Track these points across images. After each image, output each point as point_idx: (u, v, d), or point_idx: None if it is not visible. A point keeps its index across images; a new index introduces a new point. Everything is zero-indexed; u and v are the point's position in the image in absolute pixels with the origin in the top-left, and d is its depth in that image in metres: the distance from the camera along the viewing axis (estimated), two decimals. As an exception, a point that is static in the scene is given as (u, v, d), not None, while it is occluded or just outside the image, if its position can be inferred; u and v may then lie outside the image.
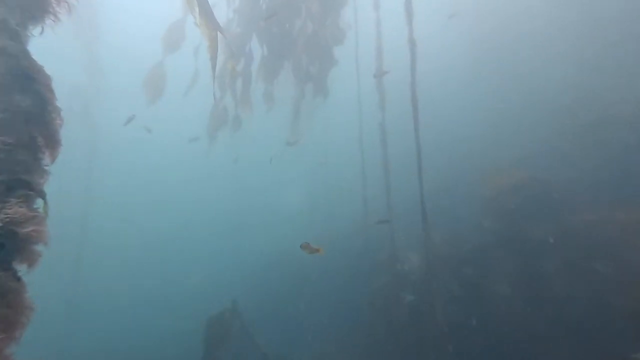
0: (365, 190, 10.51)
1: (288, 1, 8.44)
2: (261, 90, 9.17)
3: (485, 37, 13.58)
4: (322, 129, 13.00)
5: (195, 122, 9.52)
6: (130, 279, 16.20)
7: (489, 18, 14.07)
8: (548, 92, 9.42)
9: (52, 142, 2.26)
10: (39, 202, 2.17)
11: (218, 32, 4.11)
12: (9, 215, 1.82)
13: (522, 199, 7.04)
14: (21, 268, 1.90)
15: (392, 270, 8.66)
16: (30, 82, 2.22)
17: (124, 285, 15.76)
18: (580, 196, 7.03)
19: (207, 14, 3.90)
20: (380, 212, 9.41)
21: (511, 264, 6.78)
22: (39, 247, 2.03)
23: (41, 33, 2.64)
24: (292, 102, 9.42)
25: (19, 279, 1.90)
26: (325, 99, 9.56)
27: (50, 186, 2.35)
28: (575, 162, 7.91)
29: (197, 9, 3.84)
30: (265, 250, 13.26)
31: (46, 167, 2.30)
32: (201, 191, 22.35)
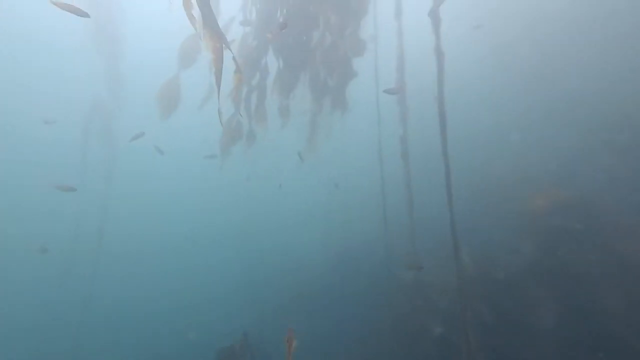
0: (385, 208, 9.94)
1: (305, 12, 8.15)
2: (276, 104, 8.85)
3: (510, 45, 12.90)
4: (339, 144, 12.58)
5: (210, 136, 9.31)
6: (143, 291, 16.11)
7: (514, 24, 13.40)
8: (588, 104, 8.64)
9: None
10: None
11: (223, 45, 3.77)
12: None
13: (567, 221, 6.29)
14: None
15: (418, 295, 7.99)
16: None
17: (136, 296, 15.67)
18: (632, 219, 6.22)
19: (210, 24, 3.58)
20: (402, 231, 8.82)
21: (555, 296, 6.02)
22: None
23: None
24: (309, 116, 9.04)
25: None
26: (344, 113, 9.14)
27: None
28: (622, 180, 7.09)
29: (199, 20, 3.52)
30: (281, 272, 12.82)
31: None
32: (214, 206, 22.30)
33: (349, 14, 8.08)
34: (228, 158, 8.20)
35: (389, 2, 8.29)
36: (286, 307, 11.24)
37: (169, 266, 17.90)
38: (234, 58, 4.21)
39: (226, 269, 17.35)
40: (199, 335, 11.88)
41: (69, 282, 12.26)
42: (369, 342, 8.99)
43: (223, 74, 8.78)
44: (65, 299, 11.85)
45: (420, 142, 9.41)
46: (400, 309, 8.56)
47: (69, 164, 13.48)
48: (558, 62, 10.72)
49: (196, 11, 3.52)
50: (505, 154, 9.44)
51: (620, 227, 6.20)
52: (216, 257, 18.71)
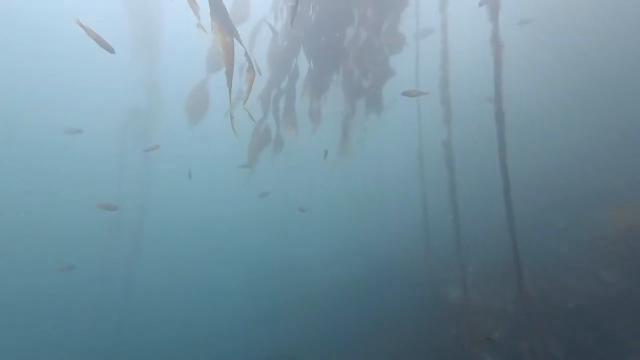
0: (427, 220, 9.06)
1: (339, 8, 7.55)
2: (306, 108, 8.33)
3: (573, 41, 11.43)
4: (375, 148, 11.82)
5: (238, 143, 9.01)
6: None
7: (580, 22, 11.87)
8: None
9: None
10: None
11: (235, 39, 3.27)
12: None
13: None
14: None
15: (466, 320, 7.05)
16: None
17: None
18: None
19: (220, 15, 3.10)
20: (447, 247, 7.92)
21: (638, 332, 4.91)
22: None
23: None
24: (341, 120, 8.43)
25: None
26: (380, 115, 8.42)
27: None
28: None
29: (209, 11, 3.05)
30: (308, 284, 12.28)
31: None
32: (242, 213, 22.12)
33: (387, 6, 7.37)
34: (258, 165, 7.80)
35: (432, -9, 7.49)
36: (314, 323, 10.67)
37: (200, 271, 18.05)
38: (246, 54, 3.71)
39: (250, 277, 16.98)
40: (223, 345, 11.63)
41: (106, 290, 12.56)
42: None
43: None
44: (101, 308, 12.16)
45: (466, 147, 8.46)
46: (443, 333, 7.66)
47: (106, 173, 13.90)
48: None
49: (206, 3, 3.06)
50: (570, 163, 8.21)
51: None
52: (239, 267, 18.50)
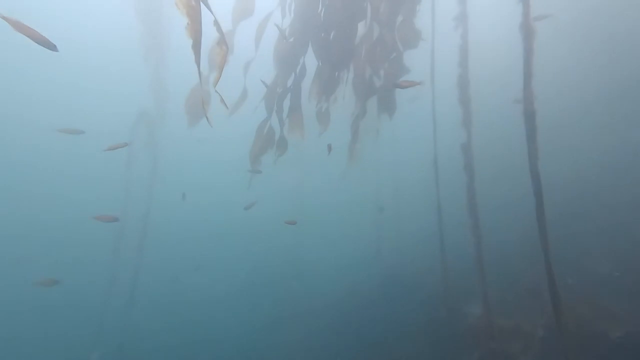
0: (442, 230, 8.37)
1: (350, 1, 7.08)
2: (314, 108, 7.85)
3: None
4: (387, 152, 11.22)
5: (241, 144, 8.58)
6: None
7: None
8: None
9: None
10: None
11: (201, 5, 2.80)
12: None
13: None
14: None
15: (489, 345, 6.32)
16: None
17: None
18: None
19: None
20: (467, 259, 7.21)
21: None
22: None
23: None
24: (351, 122, 7.90)
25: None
26: (392, 116, 7.86)
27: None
28: None
29: None
30: (321, 297, 11.67)
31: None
32: (252, 220, 21.73)
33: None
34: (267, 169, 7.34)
35: (450, -18, 6.96)
36: (318, 338, 10.04)
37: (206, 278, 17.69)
38: (216, 23, 3.24)
39: (259, 289, 16.50)
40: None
41: (111, 292, 12.26)
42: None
43: (254, 70, 7.94)
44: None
45: (488, 151, 7.79)
46: (463, 358, 6.92)
47: (113, 178, 13.73)
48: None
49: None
50: (606, 170, 7.41)
51: None
52: (247, 278, 18.04)
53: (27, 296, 15.41)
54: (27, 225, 18.77)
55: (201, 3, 2.81)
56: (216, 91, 3.29)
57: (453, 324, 7.95)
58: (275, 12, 7.72)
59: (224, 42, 3.22)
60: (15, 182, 20.40)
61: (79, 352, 11.66)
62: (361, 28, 7.66)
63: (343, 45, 7.56)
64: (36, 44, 2.72)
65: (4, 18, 2.62)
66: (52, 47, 2.81)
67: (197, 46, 2.84)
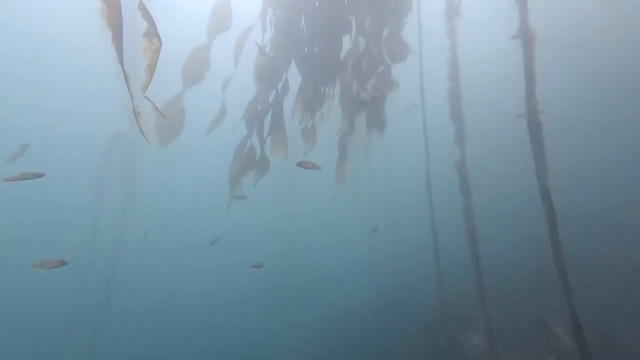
0: (438, 255, 7.85)
1: (333, 14, 6.78)
2: (297, 126, 7.39)
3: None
4: (378, 173, 10.79)
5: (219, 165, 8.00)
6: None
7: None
8: None
9: None
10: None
11: None
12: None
13: None
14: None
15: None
16: None
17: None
18: None
19: None
20: (466, 285, 6.68)
21: None
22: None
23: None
24: (338, 140, 7.45)
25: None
26: (382, 132, 7.45)
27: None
28: None
29: None
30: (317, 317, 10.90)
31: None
32: (244, 242, 21.03)
33: (388, 12, 6.58)
34: (243, 190, 6.74)
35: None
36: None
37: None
38: (140, 5, 2.76)
39: (257, 309, 15.89)
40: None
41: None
42: None
43: (240, 83, 7.45)
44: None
45: (485, 169, 7.41)
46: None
47: (83, 201, 12.83)
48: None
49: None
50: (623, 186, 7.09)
51: None
52: (247, 298, 17.21)
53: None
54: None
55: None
56: (146, 97, 2.76)
57: (454, 356, 7.32)
58: (256, 26, 7.37)
59: (154, 34, 2.71)
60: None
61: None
62: (346, 42, 7.37)
63: (328, 59, 7.21)
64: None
65: None
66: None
67: (117, 39, 2.32)
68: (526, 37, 3.94)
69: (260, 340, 11.77)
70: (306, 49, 7.07)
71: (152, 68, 2.55)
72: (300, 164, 5.63)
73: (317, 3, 7.09)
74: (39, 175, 4.12)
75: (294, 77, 7.68)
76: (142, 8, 2.51)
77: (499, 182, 7.29)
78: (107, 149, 12.83)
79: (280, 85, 7.44)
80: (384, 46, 7.09)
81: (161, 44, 2.61)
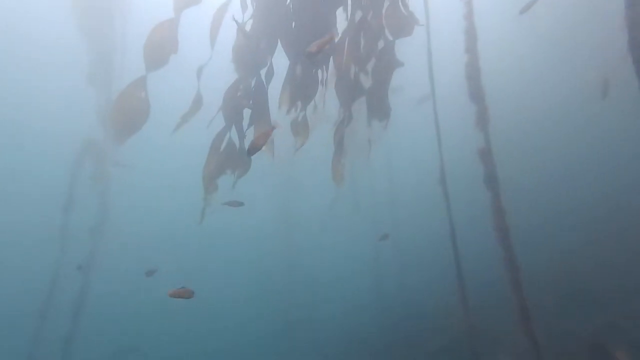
0: (458, 262, 6.72)
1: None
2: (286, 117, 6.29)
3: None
4: (381, 169, 9.70)
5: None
6: None
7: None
8: None
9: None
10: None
11: None
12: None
13: None
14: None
15: None
16: None
17: None
18: None
19: None
20: (494, 298, 5.57)
21: None
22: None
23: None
24: (334, 132, 6.37)
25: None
26: (386, 123, 6.37)
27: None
28: None
29: None
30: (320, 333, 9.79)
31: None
32: (241, 253, 19.82)
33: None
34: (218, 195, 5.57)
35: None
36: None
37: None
38: None
39: (258, 321, 14.94)
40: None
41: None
42: None
43: (216, 69, 6.35)
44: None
45: (512, 162, 6.36)
46: None
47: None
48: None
49: None
50: None
51: None
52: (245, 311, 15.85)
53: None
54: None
55: None
56: None
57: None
58: (234, 1, 6.33)
59: None
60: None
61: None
62: (341, 17, 6.35)
63: (319, 38, 6.17)
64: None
65: None
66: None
67: None
68: None
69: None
70: (294, 24, 6.03)
71: None
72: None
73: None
74: None
75: (280, 60, 6.63)
76: None
77: (530, 172, 6.30)
78: (77, 159, 11.63)
79: (264, 70, 6.37)
80: (385, 20, 6.06)
81: None
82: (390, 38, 6.11)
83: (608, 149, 7.15)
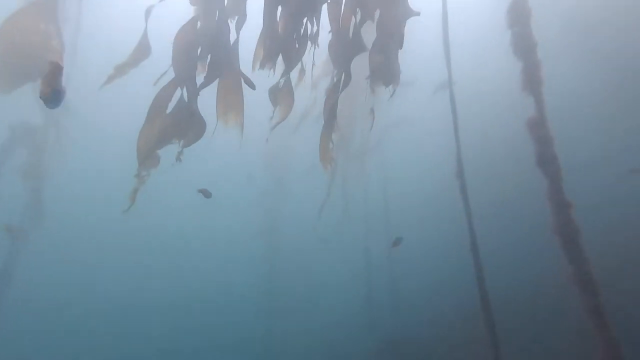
0: (479, 265, 5.38)
1: None
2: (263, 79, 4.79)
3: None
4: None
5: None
6: None
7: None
8: None
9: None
10: None
11: None
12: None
13: None
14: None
15: None
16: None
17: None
18: None
19: None
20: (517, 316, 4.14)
21: None
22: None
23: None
24: (325, 99, 4.93)
25: None
26: (394, 89, 4.94)
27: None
28: None
29: None
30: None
31: None
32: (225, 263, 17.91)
33: None
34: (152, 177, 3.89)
35: None
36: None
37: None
38: None
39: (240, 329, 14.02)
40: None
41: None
42: None
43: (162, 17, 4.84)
44: None
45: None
46: None
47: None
48: None
49: None
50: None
51: None
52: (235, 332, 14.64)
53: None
54: None
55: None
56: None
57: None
58: None
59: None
60: None
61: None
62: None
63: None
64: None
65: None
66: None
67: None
68: None
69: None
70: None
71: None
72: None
73: None
74: None
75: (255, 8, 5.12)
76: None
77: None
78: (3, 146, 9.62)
79: (235, 20, 4.83)
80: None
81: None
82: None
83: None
